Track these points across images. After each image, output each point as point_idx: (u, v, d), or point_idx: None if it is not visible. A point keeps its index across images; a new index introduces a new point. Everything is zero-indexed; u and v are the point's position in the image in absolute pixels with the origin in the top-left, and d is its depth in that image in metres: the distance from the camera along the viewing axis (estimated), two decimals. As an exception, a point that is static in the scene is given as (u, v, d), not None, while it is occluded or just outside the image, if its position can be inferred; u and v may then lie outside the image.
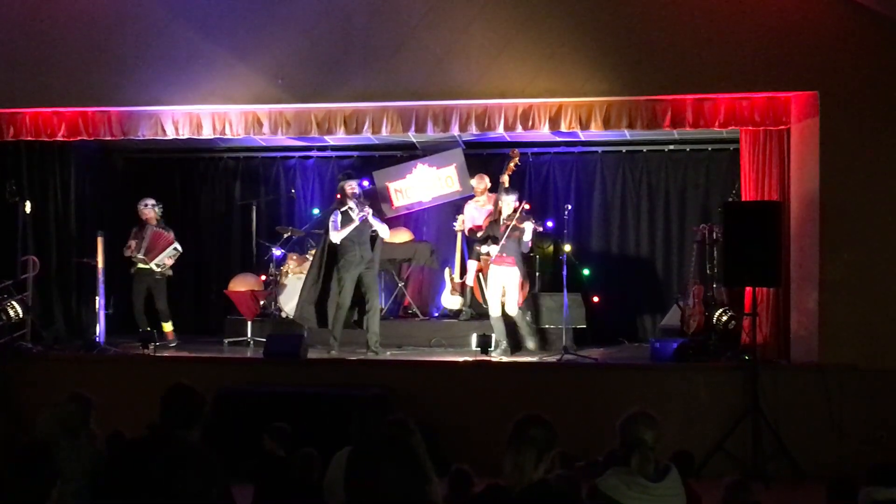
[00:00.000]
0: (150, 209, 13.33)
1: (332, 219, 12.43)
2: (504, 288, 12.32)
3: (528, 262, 13.47)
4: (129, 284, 13.53)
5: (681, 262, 14.38)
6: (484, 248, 12.41)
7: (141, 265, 13.14)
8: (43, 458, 5.35)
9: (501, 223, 12.28)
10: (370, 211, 12.35)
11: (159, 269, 13.19)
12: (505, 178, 13.11)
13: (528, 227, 12.09)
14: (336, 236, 12.31)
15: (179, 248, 13.39)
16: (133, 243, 13.14)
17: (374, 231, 12.39)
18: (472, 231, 13.60)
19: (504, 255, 12.20)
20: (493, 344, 12.03)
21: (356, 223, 12.21)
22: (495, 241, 12.24)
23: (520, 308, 12.38)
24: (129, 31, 11.88)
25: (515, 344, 12.53)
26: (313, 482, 6.85)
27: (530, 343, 12.35)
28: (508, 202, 12.35)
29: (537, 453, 4.71)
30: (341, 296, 12.35)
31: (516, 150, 13.33)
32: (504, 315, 12.36)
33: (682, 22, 11.02)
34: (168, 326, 13.28)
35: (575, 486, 5.49)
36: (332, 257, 12.56)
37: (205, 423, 5.80)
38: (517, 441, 4.76)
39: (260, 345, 12.52)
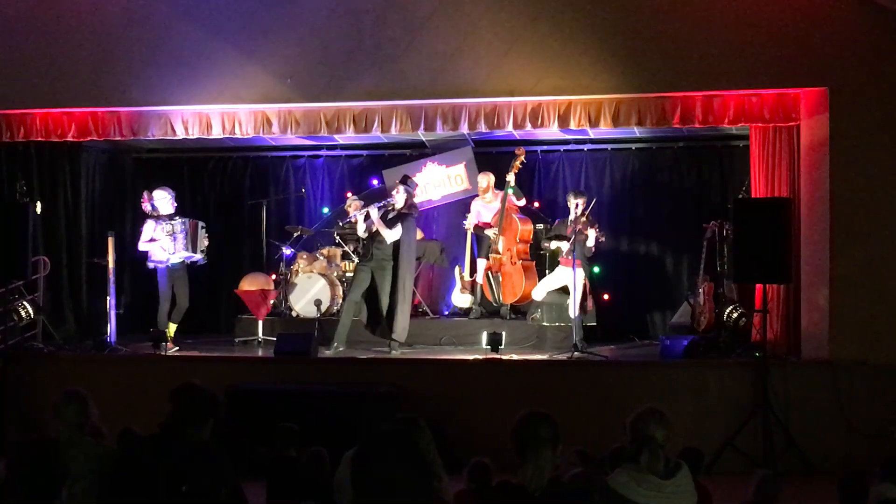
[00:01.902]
0: (170, 202, 12.92)
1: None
2: (566, 287, 12.32)
3: (537, 261, 13.51)
4: (149, 283, 13.41)
5: (691, 259, 14.33)
6: (553, 244, 12.37)
7: (175, 259, 12.80)
8: (52, 457, 5.37)
9: (568, 224, 12.26)
10: (375, 213, 12.20)
11: (205, 253, 12.99)
12: (511, 177, 13.12)
13: (592, 234, 12.00)
14: (359, 229, 12.51)
15: (202, 223, 13.17)
16: (173, 243, 12.73)
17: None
18: (479, 228, 13.60)
19: (570, 256, 12.12)
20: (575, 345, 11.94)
21: (363, 216, 12.34)
22: (563, 238, 12.29)
23: (580, 314, 12.19)
24: (138, 32, 11.89)
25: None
26: (323, 480, 6.87)
27: (578, 341, 12.00)
28: (573, 203, 12.26)
29: (552, 452, 4.72)
30: (351, 290, 12.45)
31: (522, 148, 13.34)
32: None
33: (691, 19, 11.00)
34: (172, 329, 12.89)
35: (595, 483, 5.48)
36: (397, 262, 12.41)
37: (217, 421, 5.82)
38: (532, 443, 4.75)
39: (270, 344, 12.54)
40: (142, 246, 12.90)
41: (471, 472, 6.76)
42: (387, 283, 12.23)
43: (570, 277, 12.06)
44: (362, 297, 12.43)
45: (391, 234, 12.19)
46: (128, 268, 14.66)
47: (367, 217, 12.30)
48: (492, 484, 6.46)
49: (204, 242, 12.96)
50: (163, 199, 12.91)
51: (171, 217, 12.86)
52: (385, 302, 12.22)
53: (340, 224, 13.56)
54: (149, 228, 12.83)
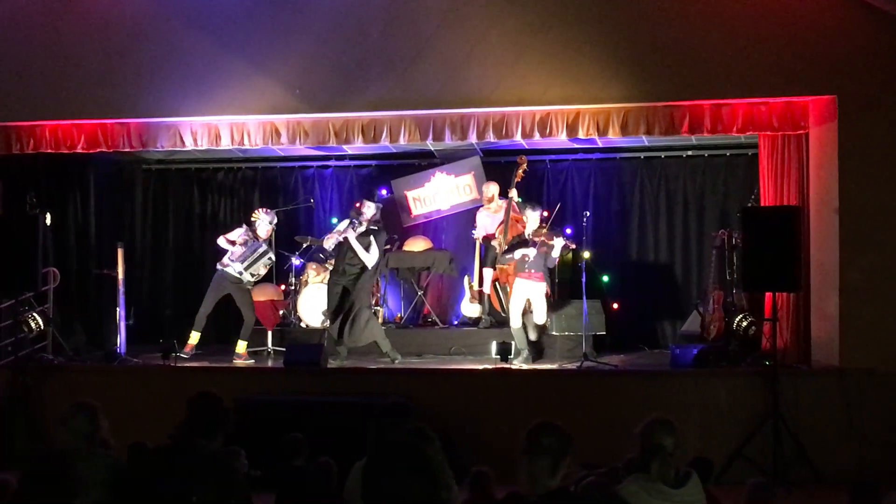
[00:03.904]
0: (267, 224, 13.12)
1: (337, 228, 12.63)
2: (529, 301, 12.29)
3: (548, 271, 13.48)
4: (159, 294, 13.35)
5: (700, 268, 14.34)
6: (518, 252, 12.26)
7: (231, 270, 12.85)
8: (63, 469, 5.37)
9: (529, 238, 12.27)
10: (352, 235, 12.27)
11: (253, 279, 12.94)
12: (513, 190, 13.09)
13: (559, 243, 12.05)
14: (326, 242, 12.66)
15: (273, 258, 13.22)
16: (237, 248, 12.89)
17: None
18: (486, 239, 13.59)
19: (532, 270, 12.16)
20: (513, 352, 12.01)
21: (335, 239, 12.42)
22: (525, 245, 12.25)
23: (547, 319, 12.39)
24: (147, 43, 11.93)
25: (538, 352, 12.53)
26: (331, 491, 6.87)
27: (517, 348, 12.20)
28: (533, 217, 12.35)
29: (551, 461, 4.70)
30: (328, 304, 12.55)
31: (524, 157, 13.31)
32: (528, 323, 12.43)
33: (699, 28, 11.01)
34: (244, 347, 12.83)
35: (607, 492, 5.48)
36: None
37: (227, 434, 5.83)
38: (530, 450, 4.75)
39: (280, 354, 12.55)
40: (220, 241, 13.10)
41: (471, 482, 6.78)
42: (361, 295, 12.36)
43: (530, 290, 12.19)
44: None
45: (370, 259, 12.31)
46: (137, 279, 14.66)
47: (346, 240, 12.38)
48: (492, 492, 6.47)
49: (260, 270, 12.96)
50: (261, 220, 13.15)
51: (258, 237, 13.05)
52: (355, 313, 12.29)
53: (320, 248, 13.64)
54: (238, 231, 13.11)
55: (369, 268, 12.33)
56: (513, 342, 12.15)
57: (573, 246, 12.60)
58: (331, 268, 13.90)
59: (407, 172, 15.16)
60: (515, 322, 12.35)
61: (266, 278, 14.38)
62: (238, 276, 12.82)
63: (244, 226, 13.18)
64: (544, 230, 12.25)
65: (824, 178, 11.06)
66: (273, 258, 13.17)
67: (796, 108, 11.16)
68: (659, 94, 11.17)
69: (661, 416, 5.33)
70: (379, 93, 11.54)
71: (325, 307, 13.32)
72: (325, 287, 13.57)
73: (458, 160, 14.78)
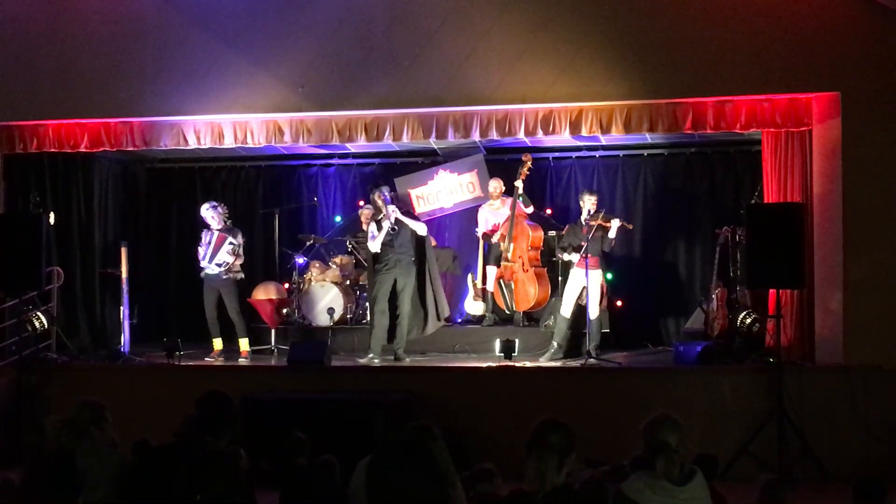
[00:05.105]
0: (212, 214, 12.94)
1: (369, 233, 12.48)
2: (584, 289, 12.24)
3: (549, 267, 13.48)
4: (163, 294, 13.42)
5: (704, 265, 14.31)
6: (566, 256, 12.42)
7: (208, 271, 12.84)
8: (68, 467, 5.38)
9: (583, 224, 12.26)
10: (396, 209, 12.25)
11: (222, 269, 12.77)
12: (519, 184, 13.12)
13: (615, 223, 12.11)
14: (373, 245, 12.32)
15: (235, 241, 12.88)
16: (200, 250, 12.87)
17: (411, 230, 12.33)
18: (487, 235, 13.60)
19: (588, 255, 12.06)
20: (551, 346, 12.23)
21: (386, 227, 12.17)
22: (576, 249, 12.23)
23: (596, 319, 12.27)
24: (150, 42, 11.94)
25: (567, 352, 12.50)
26: (335, 489, 6.87)
27: (592, 349, 12.03)
28: (590, 202, 12.34)
29: (558, 459, 4.72)
30: (377, 301, 12.30)
31: (528, 155, 13.35)
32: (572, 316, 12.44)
33: (702, 24, 11.00)
34: (244, 344, 12.93)
35: (603, 488, 5.48)
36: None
37: (236, 432, 5.84)
38: (538, 448, 4.76)
39: (283, 353, 12.55)
40: (198, 254, 13.03)
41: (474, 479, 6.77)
42: (410, 286, 12.28)
43: (585, 277, 12.08)
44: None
45: (422, 227, 12.43)
46: (141, 278, 14.66)
47: (398, 223, 12.25)
48: (498, 491, 6.48)
49: (225, 258, 12.76)
50: (204, 215, 13.05)
51: (212, 229, 12.94)
52: (406, 308, 12.24)
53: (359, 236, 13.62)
54: (202, 237, 13.02)
55: (421, 233, 12.39)
56: (550, 315, 12.18)
57: (630, 226, 12.73)
58: (335, 266, 13.92)
59: (410, 171, 15.14)
60: (566, 311, 12.37)
61: (269, 276, 14.42)
62: (211, 272, 12.81)
63: (203, 230, 13.09)
64: (601, 214, 12.21)
65: (828, 175, 11.05)
66: (235, 241, 12.90)
67: (800, 104, 11.14)
68: (662, 91, 11.17)
69: (665, 413, 5.32)
70: (382, 91, 11.55)
71: (328, 305, 13.33)
72: (328, 285, 13.58)
73: (462, 158, 14.77)
